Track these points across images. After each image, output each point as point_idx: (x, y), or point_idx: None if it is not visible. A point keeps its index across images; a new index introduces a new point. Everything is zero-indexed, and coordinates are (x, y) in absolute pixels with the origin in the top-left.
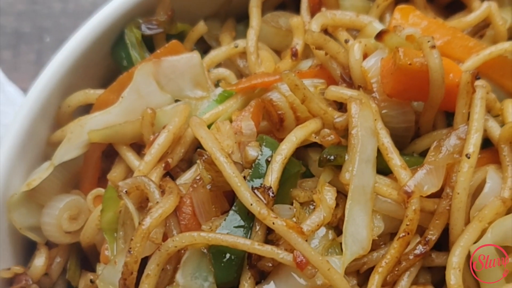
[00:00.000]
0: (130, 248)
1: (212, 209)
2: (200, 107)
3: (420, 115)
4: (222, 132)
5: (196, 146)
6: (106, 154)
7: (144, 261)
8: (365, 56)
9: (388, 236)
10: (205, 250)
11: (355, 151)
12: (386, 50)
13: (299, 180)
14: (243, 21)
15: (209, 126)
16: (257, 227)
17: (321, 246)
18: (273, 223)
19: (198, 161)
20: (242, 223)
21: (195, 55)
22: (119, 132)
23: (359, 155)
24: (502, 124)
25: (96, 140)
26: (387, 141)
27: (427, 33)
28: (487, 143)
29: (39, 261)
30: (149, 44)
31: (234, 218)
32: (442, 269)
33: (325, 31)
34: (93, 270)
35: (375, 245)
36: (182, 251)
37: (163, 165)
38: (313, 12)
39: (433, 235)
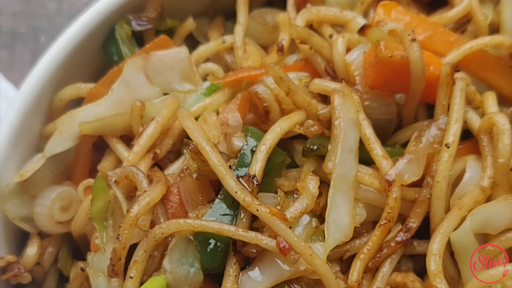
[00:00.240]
0: (119, 235)
1: (198, 197)
2: (188, 100)
3: (402, 107)
4: (208, 123)
5: (184, 138)
6: (97, 147)
7: (133, 249)
8: (348, 50)
9: (371, 224)
10: (191, 237)
11: (337, 141)
12: (368, 44)
13: (284, 170)
14: (232, 19)
15: (196, 118)
16: (242, 215)
17: (304, 233)
18: (257, 210)
19: (184, 151)
20: (227, 211)
21: (183, 49)
22: (109, 124)
23: (341, 145)
24: (482, 116)
25: (87, 132)
26: (369, 132)
27: (409, 28)
28: (467, 135)
29: (32, 250)
30: (140, 40)
31: (220, 206)
32: (424, 257)
33: (310, 26)
34: (84, 260)
35: (358, 233)
36: (169, 238)
37: (152, 155)
38: (299, 8)
39: (414, 223)
